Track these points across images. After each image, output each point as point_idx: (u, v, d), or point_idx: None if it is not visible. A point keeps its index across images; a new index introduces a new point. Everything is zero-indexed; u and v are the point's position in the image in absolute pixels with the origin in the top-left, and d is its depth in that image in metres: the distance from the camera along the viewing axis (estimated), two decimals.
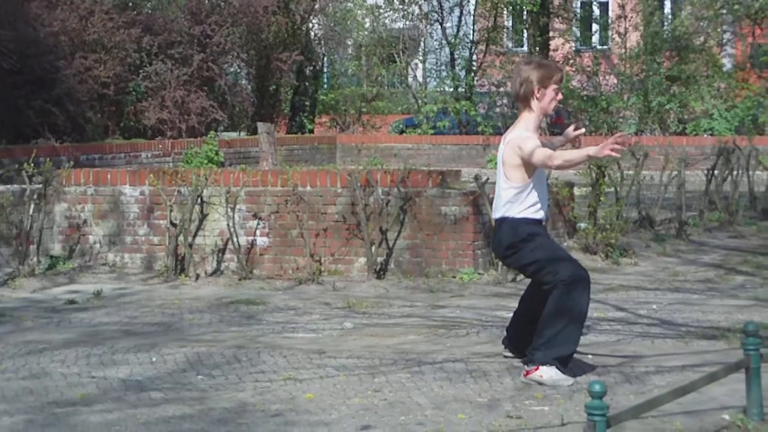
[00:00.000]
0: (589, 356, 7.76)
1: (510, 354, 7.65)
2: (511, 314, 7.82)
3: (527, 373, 7.13)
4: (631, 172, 13.90)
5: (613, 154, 7.13)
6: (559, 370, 7.06)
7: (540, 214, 7.35)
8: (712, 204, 15.24)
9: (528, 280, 7.70)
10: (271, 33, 26.66)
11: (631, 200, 13.82)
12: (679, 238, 13.82)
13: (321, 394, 6.87)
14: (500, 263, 10.49)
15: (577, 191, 13.12)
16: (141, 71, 23.57)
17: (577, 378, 7.09)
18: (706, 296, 10.30)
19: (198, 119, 23.57)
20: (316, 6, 29.06)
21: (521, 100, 7.40)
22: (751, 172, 16.33)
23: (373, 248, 11.19)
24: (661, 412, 6.04)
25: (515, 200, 7.31)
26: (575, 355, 7.28)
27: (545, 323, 7.16)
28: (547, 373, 7.05)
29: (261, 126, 19.32)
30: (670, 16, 31.85)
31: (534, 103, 7.35)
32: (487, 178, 11.11)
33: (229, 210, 11.42)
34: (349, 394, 6.85)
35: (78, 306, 10.14)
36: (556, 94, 7.38)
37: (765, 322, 8.69)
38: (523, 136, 7.28)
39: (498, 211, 7.41)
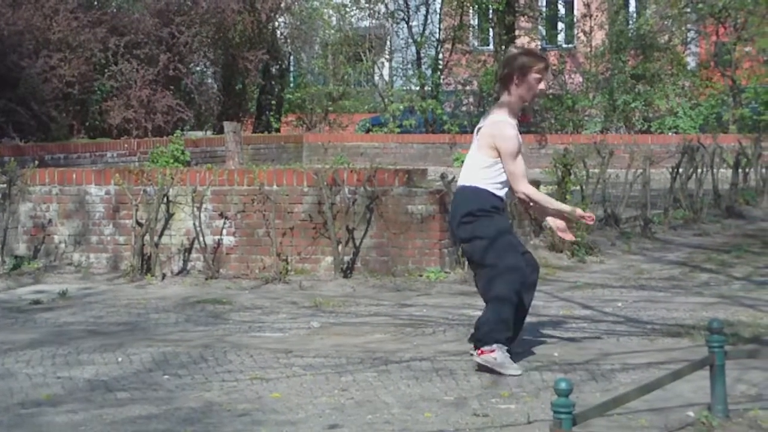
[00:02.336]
0: (555, 354, 7.79)
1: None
2: (478, 313, 7.84)
3: (482, 352, 7.26)
4: (596, 170, 13.95)
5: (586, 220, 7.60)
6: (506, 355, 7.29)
7: (503, 193, 7.48)
8: (677, 202, 15.31)
9: None
10: (237, 32, 26.60)
11: (597, 198, 13.87)
12: (644, 236, 13.88)
13: (288, 393, 6.86)
14: (467, 262, 10.48)
15: (543, 189, 13.13)
16: (106, 70, 23.48)
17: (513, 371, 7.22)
18: (671, 294, 10.35)
19: (164, 118, 23.50)
20: (282, 4, 29.01)
21: (502, 83, 7.55)
22: (715, 170, 16.42)
23: (340, 247, 11.19)
24: (626, 410, 6.07)
25: (484, 173, 7.46)
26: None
27: (486, 307, 7.39)
28: (499, 354, 7.23)
29: (227, 125, 19.29)
30: (634, 15, 31.97)
31: (512, 89, 7.47)
32: (454, 177, 11.13)
33: (195, 209, 11.39)
34: (316, 394, 6.85)
35: (43, 306, 10.09)
36: (537, 83, 7.47)
37: (729, 320, 8.75)
38: (509, 134, 7.40)
39: (463, 179, 7.55)
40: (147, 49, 24.15)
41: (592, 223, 7.77)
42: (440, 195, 11.21)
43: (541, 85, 7.52)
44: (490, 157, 7.43)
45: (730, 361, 6.26)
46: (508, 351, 7.31)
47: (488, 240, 7.35)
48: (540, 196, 7.71)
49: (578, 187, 13.40)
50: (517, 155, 7.44)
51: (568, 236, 7.75)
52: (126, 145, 20.82)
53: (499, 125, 7.44)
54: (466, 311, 9.32)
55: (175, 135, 21.91)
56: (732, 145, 18.15)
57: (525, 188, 7.49)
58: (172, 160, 20.35)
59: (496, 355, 7.24)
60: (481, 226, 7.38)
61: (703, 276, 11.36)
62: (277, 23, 29.66)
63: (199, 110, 26.29)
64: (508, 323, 7.33)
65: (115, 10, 25.72)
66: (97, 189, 12.04)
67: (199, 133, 25.14)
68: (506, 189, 7.50)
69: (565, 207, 7.78)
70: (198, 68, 27.69)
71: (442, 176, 11.56)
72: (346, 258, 11.26)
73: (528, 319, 8.88)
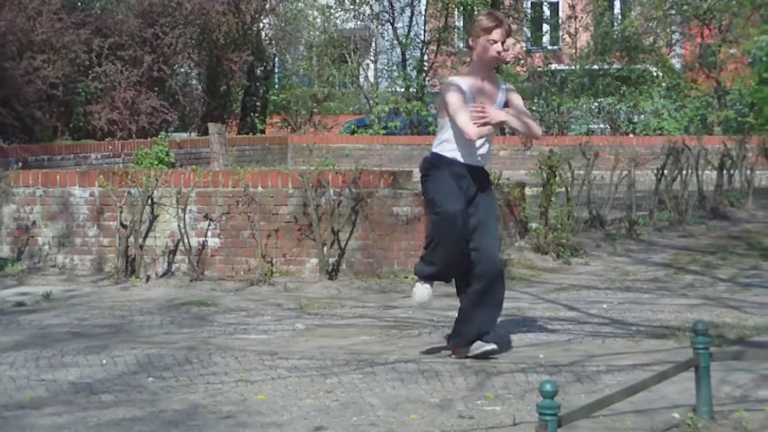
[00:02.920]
0: (541, 356, 7.78)
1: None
2: None
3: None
4: (581, 172, 13.95)
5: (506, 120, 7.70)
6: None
7: (453, 154, 7.65)
8: (662, 203, 15.33)
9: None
10: (221, 33, 26.55)
11: (582, 200, 13.87)
12: (629, 238, 13.89)
13: (273, 395, 6.85)
14: None
15: (528, 191, 13.16)
16: (90, 72, 23.40)
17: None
18: (656, 295, 10.36)
19: (148, 120, 23.43)
20: (267, 6, 28.96)
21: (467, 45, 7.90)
22: (700, 172, 16.44)
23: (325, 249, 11.17)
24: (612, 411, 6.06)
25: (437, 137, 7.82)
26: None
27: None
28: (417, 288, 7.72)
29: (212, 126, 19.22)
30: (619, 17, 32.03)
31: (473, 52, 7.76)
32: None
33: (179, 211, 11.36)
34: (301, 396, 6.83)
35: (27, 308, 10.05)
36: (490, 45, 7.65)
37: (714, 321, 8.76)
38: (449, 90, 7.69)
39: None
40: (131, 50, 24.07)
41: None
42: None
43: (495, 48, 7.67)
44: (441, 119, 7.80)
45: (715, 363, 6.26)
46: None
47: (430, 195, 7.70)
48: (489, 129, 7.64)
49: (563, 189, 13.40)
50: (460, 106, 7.60)
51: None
52: (110, 147, 20.74)
53: (444, 86, 7.86)
54: (451, 313, 9.27)
55: (159, 136, 21.85)
56: (717, 147, 18.18)
57: (475, 133, 7.58)
58: (156, 162, 20.27)
59: (415, 287, 7.74)
60: (427, 184, 7.74)
61: (688, 278, 11.38)
62: (261, 25, 29.60)
63: (184, 112, 26.22)
64: (434, 262, 7.65)
65: (98, 12, 25.63)
66: (81, 191, 12.00)
67: (184, 135, 25.08)
68: (460, 151, 7.64)
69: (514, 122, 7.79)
70: (182, 69, 27.61)
71: None
72: (331, 260, 11.24)
73: (513, 320, 8.91)
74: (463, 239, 7.57)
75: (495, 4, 27.08)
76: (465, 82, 7.77)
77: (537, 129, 7.97)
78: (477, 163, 7.70)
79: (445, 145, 7.69)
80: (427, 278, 7.74)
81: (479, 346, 7.63)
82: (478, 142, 7.65)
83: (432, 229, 7.72)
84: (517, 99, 7.89)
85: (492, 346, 7.62)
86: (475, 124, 7.55)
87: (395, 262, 11.24)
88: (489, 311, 7.67)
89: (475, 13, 28.40)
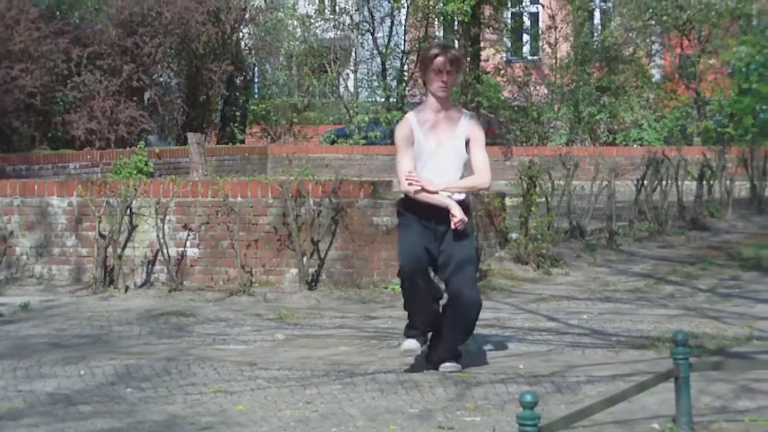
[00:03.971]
0: (521, 366, 7.77)
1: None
2: None
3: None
4: (561, 182, 13.96)
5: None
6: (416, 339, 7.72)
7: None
8: (642, 214, 15.35)
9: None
10: (201, 43, 26.52)
11: (562, 210, 13.88)
12: (609, 248, 13.90)
13: (252, 406, 6.82)
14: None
15: (508, 201, 13.16)
16: (69, 81, 23.34)
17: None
18: (636, 306, 10.37)
19: (127, 129, 23.38)
20: (247, 16, 28.94)
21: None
22: (680, 182, 16.47)
23: (305, 259, 11.14)
24: (592, 422, 6.06)
25: None
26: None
27: None
28: (405, 341, 7.76)
29: (191, 136, 19.20)
30: (599, 27, 32.11)
31: (426, 86, 7.65)
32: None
33: (158, 221, 11.32)
34: (280, 406, 6.81)
35: (4, 318, 10.00)
36: (436, 75, 7.54)
37: (694, 332, 8.77)
38: (396, 130, 7.68)
39: None
40: (110, 59, 24.02)
41: (458, 224, 7.49)
42: None
43: (440, 78, 7.52)
44: None
45: (695, 373, 6.26)
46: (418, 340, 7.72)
47: (398, 246, 7.76)
48: (414, 191, 7.49)
49: (543, 199, 13.41)
50: (403, 150, 7.57)
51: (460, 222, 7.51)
52: (89, 157, 20.68)
53: (399, 123, 7.80)
54: None
55: (138, 146, 21.80)
56: (696, 158, 18.22)
57: (403, 187, 7.59)
58: (135, 172, 20.22)
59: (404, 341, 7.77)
60: (398, 231, 7.80)
61: (668, 288, 11.39)
62: (241, 34, 29.57)
63: (163, 121, 26.17)
64: (411, 321, 7.73)
65: (77, 21, 25.58)
66: (59, 200, 11.95)
67: (162, 145, 25.03)
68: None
69: (442, 200, 7.54)
70: (162, 79, 27.56)
71: None
72: (311, 270, 11.22)
73: (493, 331, 8.92)
74: (428, 296, 7.56)
75: (475, 14, 27.09)
76: (418, 116, 7.64)
77: (481, 183, 7.67)
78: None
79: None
80: (412, 336, 7.75)
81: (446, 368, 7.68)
82: (446, 177, 7.54)
83: (403, 293, 7.73)
84: (477, 135, 7.63)
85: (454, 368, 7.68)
86: (410, 184, 7.47)
87: (375, 273, 11.22)
88: (456, 337, 7.71)
89: (455, 23, 28.48)
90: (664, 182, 15.88)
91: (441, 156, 7.56)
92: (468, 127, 7.63)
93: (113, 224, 11.40)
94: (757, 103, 27.19)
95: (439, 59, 7.54)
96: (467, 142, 7.61)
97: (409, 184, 7.50)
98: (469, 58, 27.56)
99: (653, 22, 29.48)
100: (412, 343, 7.69)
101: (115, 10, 25.27)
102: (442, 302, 7.75)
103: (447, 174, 7.55)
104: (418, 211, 7.56)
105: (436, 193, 7.50)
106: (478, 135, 7.64)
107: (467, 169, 7.67)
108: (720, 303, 10.42)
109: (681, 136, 27.59)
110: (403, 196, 7.68)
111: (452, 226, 7.43)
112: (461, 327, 7.63)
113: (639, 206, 15.28)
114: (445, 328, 7.65)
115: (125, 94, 23.87)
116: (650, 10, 28.58)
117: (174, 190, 11.57)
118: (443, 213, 7.48)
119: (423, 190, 7.50)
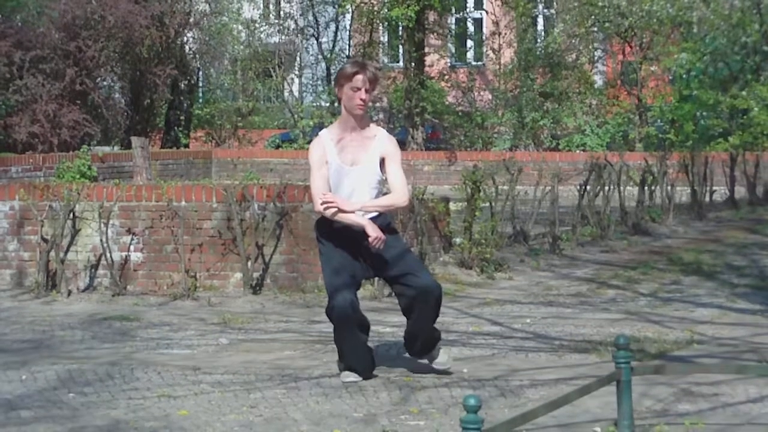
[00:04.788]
0: (465, 370, 7.80)
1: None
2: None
3: None
4: (505, 187, 14.02)
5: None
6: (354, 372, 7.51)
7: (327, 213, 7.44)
8: (585, 219, 15.45)
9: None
10: (145, 47, 26.40)
11: (506, 215, 13.94)
12: (552, 253, 13.98)
13: (196, 410, 6.80)
14: (377, 279, 10.49)
15: (452, 206, 13.21)
16: (11, 85, 23.16)
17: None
18: (578, 310, 10.43)
19: (70, 133, 23.22)
20: (191, 20, 28.86)
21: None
22: (622, 188, 16.59)
23: (249, 263, 11.13)
24: (535, 426, 6.10)
25: None
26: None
27: None
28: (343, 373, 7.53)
29: (135, 140, 19.09)
30: (543, 33, 32.31)
31: (341, 103, 7.56)
32: None
33: (102, 225, 11.26)
34: (224, 411, 6.79)
35: None
36: (354, 92, 7.46)
37: (636, 336, 8.85)
38: (310, 151, 7.61)
39: None
40: (53, 63, 23.86)
41: (375, 242, 7.39)
42: None
43: (358, 95, 7.45)
44: None
45: (637, 377, 6.31)
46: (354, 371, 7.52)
47: (323, 274, 7.64)
48: (331, 213, 7.43)
49: (487, 204, 13.46)
50: (316, 171, 7.52)
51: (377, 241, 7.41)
52: (31, 160, 20.52)
53: (313, 142, 7.69)
54: (375, 327, 9.29)
55: (81, 150, 21.66)
56: (638, 163, 18.36)
57: (316, 208, 7.51)
58: (78, 176, 20.09)
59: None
60: (320, 258, 7.65)
61: (610, 292, 11.47)
62: (185, 38, 29.48)
63: (107, 125, 26.02)
64: (344, 357, 7.56)
65: (20, 24, 25.40)
66: (0, 204, 11.85)
67: (106, 149, 24.89)
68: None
69: (357, 220, 7.45)
70: (105, 83, 27.42)
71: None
72: (256, 274, 11.20)
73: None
74: (359, 331, 7.45)
75: (419, 20, 27.17)
76: (332, 134, 7.57)
77: (399, 201, 7.58)
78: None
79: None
80: (346, 369, 7.59)
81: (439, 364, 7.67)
82: (361, 197, 7.46)
83: (334, 333, 7.52)
84: (392, 152, 7.54)
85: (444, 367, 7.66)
86: (326, 208, 7.39)
87: (320, 277, 11.20)
88: (429, 324, 7.59)
89: (400, 28, 28.55)
90: (606, 187, 15.99)
91: (355, 175, 7.46)
92: (383, 145, 7.53)
93: (56, 228, 11.33)
94: (698, 110, 27.54)
95: (359, 76, 7.45)
96: (382, 161, 7.50)
97: (325, 208, 7.39)
98: (413, 64, 27.65)
99: (596, 29, 29.70)
100: (352, 376, 7.49)
101: (57, 13, 25.11)
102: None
103: (362, 194, 7.46)
104: (336, 234, 7.44)
105: (352, 212, 7.39)
106: (393, 152, 7.54)
107: (383, 187, 7.59)
108: (661, 307, 10.51)
109: (623, 141, 27.83)
110: (319, 217, 7.55)
111: (370, 246, 7.33)
112: (429, 313, 7.47)
113: (582, 211, 15.38)
114: (415, 322, 7.50)
115: (68, 98, 23.71)
116: (593, 17, 28.79)
117: (118, 194, 11.51)
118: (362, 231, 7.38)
119: (339, 210, 7.38)
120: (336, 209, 7.40)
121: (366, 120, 7.60)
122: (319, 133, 7.67)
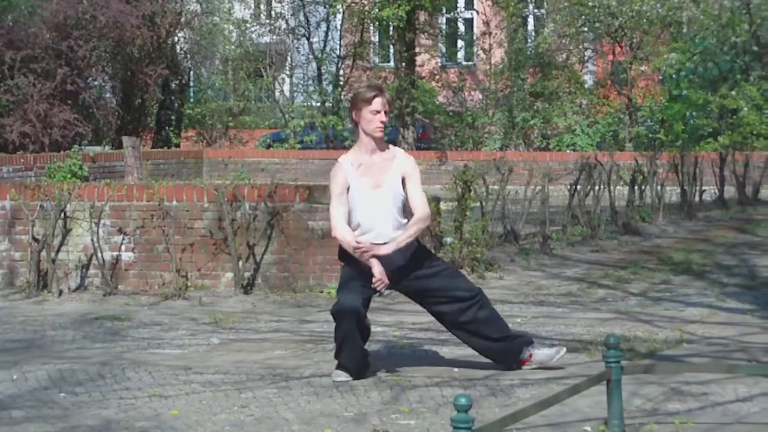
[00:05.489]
0: (455, 370, 7.83)
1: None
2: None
3: None
4: (496, 187, 14.04)
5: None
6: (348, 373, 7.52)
7: (357, 233, 7.54)
8: (575, 218, 15.47)
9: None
10: (136, 47, 26.39)
11: (497, 215, 13.96)
12: (543, 253, 14.00)
13: (187, 410, 6.81)
14: None
15: (443, 206, 13.22)
16: (2, 85, 23.14)
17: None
18: (569, 309, 10.46)
19: (61, 133, 23.20)
20: (182, 20, 28.84)
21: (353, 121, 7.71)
22: (612, 187, 16.61)
23: (240, 263, 11.14)
24: (525, 425, 6.12)
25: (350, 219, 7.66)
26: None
27: None
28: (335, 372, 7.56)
29: (126, 140, 19.09)
30: (533, 33, 32.34)
31: (358, 127, 7.61)
32: None
33: (93, 225, 11.27)
34: (215, 410, 6.81)
35: None
36: (374, 115, 7.52)
37: (626, 335, 8.87)
38: (332, 175, 7.62)
39: None
40: (44, 63, 23.84)
41: (377, 284, 7.55)
42: None
43: (378, 118, 7.53)
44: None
45: (627, 376, 6.33)
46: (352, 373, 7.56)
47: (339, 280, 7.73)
48: (347, 242, 7.55)
49: (478, 204, 13.48)
50: (337, 197, 7.56)
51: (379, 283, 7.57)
52: (22, 160, 20.51)
53: (334, 168, 7.67)
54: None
55: (72, 150, 21.65)
56: (628, 163, 18.39)
57: (335, 233, 7.63)
58: (69, 175, 20.08)
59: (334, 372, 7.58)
60: (341, 271, 7.75)
61: (600, 292, 11.49)
62: (177, 38, 29.47)
63: (98, 125, 26.00)
64: (339, 349, 7.57)
65: (11, 24, 25.36)
66: None
67: (97, 148, 24.88)
68: (362, 229, 7.57)
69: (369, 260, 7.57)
70: (96, 83, 27.39)
71: None
72: (247, 274, 11.21)
73: (428, 334, 8.96)
74: (359, 335, 7.48)
75: (410, 20, 27.19)
76: (352, 158, 7.63)
77: (423, 222, 7.69)
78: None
79: (355, 232, 7.58)
80: (339, 368, 7.63)
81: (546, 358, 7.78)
82: (385, 222, 7.56)
83: (335, 332, 7.57)
84: (411, 171, 7.65)
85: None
86: (361, 253, 7.47)
87: (311, 277, 11.24)
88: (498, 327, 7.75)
89: (391, 28, 28.57)
90: (596, 187, 16.01)
91: (380, 198, 7.55)
92: (403, 165, 7.63)
93: (47, 228, 11.33)
94: (687, 110, 27.62)
95: (378, 99, 7.52)
96: (403, 180, 7.60)
97: (360, 255, 7.49)
98: (404, 63, 27.67)
99: (586, 29, 29.75)
100: (343, 375, 7.52)
101: (49, 13, 25.08)
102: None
103: (387, 216, 7.55)
104: (358, 262, 7.57)
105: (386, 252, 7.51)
106: (412, 171, 7.65)
107: (405, 207, 7.68)
108: (651, 307, 10.54)
109: (613, 141, 27.88)
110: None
111: (373, 286, 7.48)
112: (492, 323, 7.68)
113: (572, 211, 15.41)
114: (486, 340, 7.68)
115: (59, 98, 23.69)
116: (583, 17, 28.84)
117: (109, 194, 11.52)
118: (392, 257, 7.51)
119: (373, 255, 7.49)
120: (370, 254, 7.49)
121: (384, 142, 7.67)
122: (339, 159, 7.68)
